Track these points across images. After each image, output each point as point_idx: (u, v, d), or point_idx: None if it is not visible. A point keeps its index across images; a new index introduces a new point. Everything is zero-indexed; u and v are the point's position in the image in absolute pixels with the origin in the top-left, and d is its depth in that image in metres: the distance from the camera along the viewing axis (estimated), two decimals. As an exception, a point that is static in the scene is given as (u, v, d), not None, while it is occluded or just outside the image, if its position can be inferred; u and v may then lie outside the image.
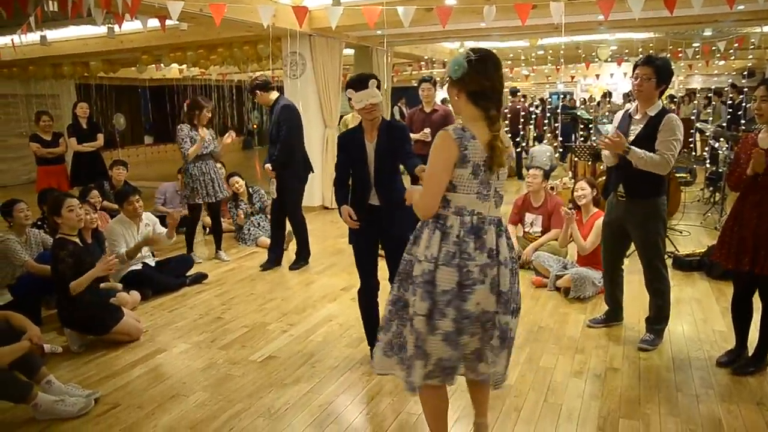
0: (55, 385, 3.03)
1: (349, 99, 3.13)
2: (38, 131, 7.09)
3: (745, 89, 10.50)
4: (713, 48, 10.68)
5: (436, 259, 2.12)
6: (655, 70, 3.30)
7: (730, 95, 12.07)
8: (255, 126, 18.53)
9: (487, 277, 2.13)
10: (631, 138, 3.42)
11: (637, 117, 3.47)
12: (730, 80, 14.20)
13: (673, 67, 3.44)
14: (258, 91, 5.31)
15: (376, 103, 3.10)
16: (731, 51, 10.95)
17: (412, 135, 6.20)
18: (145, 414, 2.97)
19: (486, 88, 2.10)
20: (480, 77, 2.09)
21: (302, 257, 5.56)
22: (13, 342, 2.88)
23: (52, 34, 8.65)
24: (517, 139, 10.72)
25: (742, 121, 9.70)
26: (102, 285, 4.22)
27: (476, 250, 2.12)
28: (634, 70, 3.41)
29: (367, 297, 3.38)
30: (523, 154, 10.96)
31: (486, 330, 2.20)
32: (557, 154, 10.20)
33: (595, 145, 7.56)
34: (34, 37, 7.52)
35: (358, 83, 3.09)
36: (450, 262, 2.11)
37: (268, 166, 5.29)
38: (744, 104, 10.07)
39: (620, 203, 3.58)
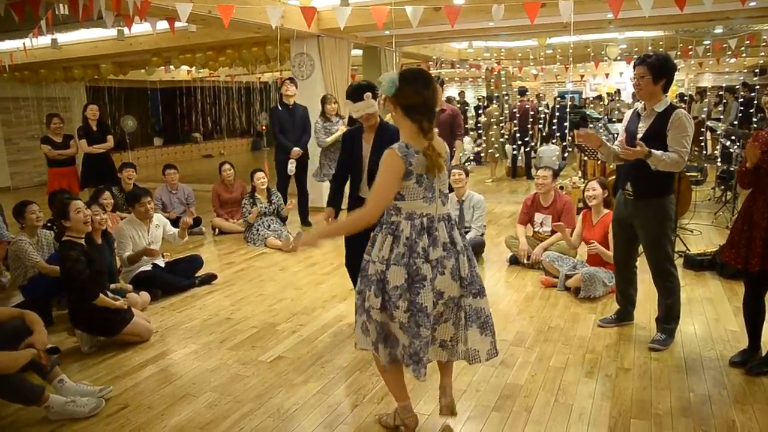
0: (67, 384, 3.06)
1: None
2: (49, 133, 7.16)
3: (757, 86, 10.41)
4: (724, 45, 10.58)
5: (387, 260, 2.39)
6: (648, 67, 3.30)
7: (741, 93, 11.96)
8: (264, 127, 18.59)
9: (446, 267, 2.41)
10: (640, 135, 3.40)
11: (644, 114, 3.46)
12: (742, 78, 14.08)
13: (677, 62, 3.42)
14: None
15: (371, 113, 3.47)
16: (743, 48, 10.83)
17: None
18: (155, 414, 2.98)
19: (418, 103, 2.34)
20: (411, 93, 2.34)
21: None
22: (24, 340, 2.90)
23: (63, 38, 8.74)
24: (526, 139, 10.68)
25: (754, 119, 9.61)
26: (112, 286, 4.25)
27: (430, 246, 2.39)
28: (633, 72, 3.43)
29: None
30: (532, 154, 10.92)
31: (456, 314, 2.50)
32: (566, 154, 10.15)
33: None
34: (45, 40, 7.60)
35: (355, 95, 3.45)
36: (399, 262, 2.37)
37: (297, 149, 6.76)
38: (755, 101, 9.97)
39: (628, 201, 3.56)
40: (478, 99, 14.05)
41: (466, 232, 5.55)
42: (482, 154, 12.39)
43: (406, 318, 2.37)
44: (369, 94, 3.40)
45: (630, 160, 3.41)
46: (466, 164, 10.79)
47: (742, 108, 10.95)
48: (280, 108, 6.87)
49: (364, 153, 3.58)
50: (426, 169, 2.35)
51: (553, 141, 10.37)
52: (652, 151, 3.27)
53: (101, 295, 3.72)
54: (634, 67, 3.41)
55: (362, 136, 3.60)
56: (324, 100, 6.73)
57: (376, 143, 3.49)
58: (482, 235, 5.56)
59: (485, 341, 2.53)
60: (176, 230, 5.14)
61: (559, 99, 12.65)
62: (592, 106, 13.40)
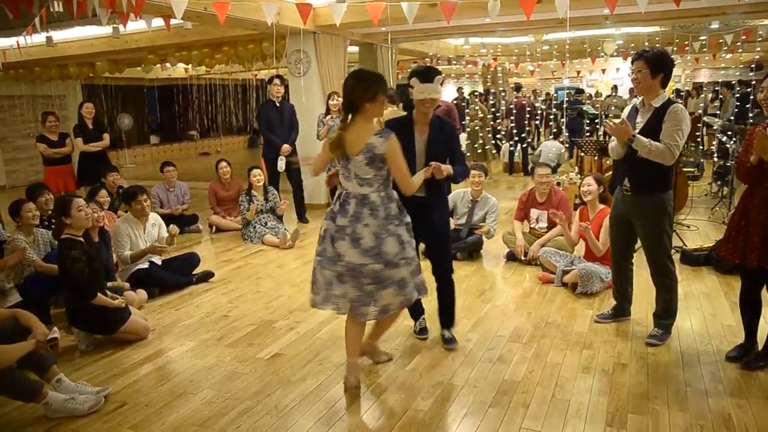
0: (65, 383, 3.06)
1: (411, 87, 3.20)
2: (45, 132, 7.14)
3: (753, 82, 10.40)
4: (720, 41, 10.59)
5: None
6: (646, 61, 3.30)
7: (737, 89, 11.97)
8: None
9: (348, 235, 2.87)
10: (638, 130, 3.41)
11: (643, 109, 3.47)
12: (737, 73, 14.09)
13: (673, 57, 3.43)
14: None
15: (436, 98, 3.21)
16: (739, 44, 10.84)
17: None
18: (153, 412, 2.98)
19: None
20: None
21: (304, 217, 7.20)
22: (21, 339, 2.90)
23: (58, 35, 8.70)
24: (523, 135, 10.68)
25: (750, 115, 9.62)
26: (109, 284, 4.24)
27: (338, 214, 2.91)
28: (631, 67, 3.43)
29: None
30: (529, 150, 10.92)
31: (358, 279, 2.87)
32: (563, 150, 10.15)
33: (601, 140, 7.53)
34: (39, 38, 7.56)
35: (424, 75, 3.18)
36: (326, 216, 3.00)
37: (287, 145, 6.85)
38: (752, 97, 9.98)
39: (626, 197, 3.56)
40: (469, 95, 14.03)
41: (471, 232, 5.55)
42: (468, 154, 12.37)
43: (316, 262, 2.98)
44: (440, 78, 3.18)
45: (624, 148, 3.43)
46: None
47: (738, 104, 10.95)
48: (270, 105, 6.91)
49: (416, 146, 3.29)
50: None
51: (561, 140, 10.32)
52: (637, 135, 3.29)
53: (99, 294, 3.71)
54: (632, 62, 3.40)
55: (414, 128, 3.30)
56: (329, 97, 6.90)
57: (434, 135, 3.29)
58: (489, 236, 5.61)
59: (399, 296, 2.94)
60: (167, 235, 5.11)
61: (573, 93, 12.38)
62: (589, 102, 13.40)
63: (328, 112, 6.93)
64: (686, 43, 10.82)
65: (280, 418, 2.88)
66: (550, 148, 10.10)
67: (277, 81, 6.93)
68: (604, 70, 15.83)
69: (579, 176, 7.85)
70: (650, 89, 3.37)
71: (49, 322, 4.10)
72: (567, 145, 10.21)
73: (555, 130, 11.07)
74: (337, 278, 2.92)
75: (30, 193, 5.06)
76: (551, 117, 13.98)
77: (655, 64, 3.30)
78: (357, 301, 2.91)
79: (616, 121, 3.41)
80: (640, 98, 3.52)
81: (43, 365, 3.05)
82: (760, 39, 10.87)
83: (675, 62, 3.64)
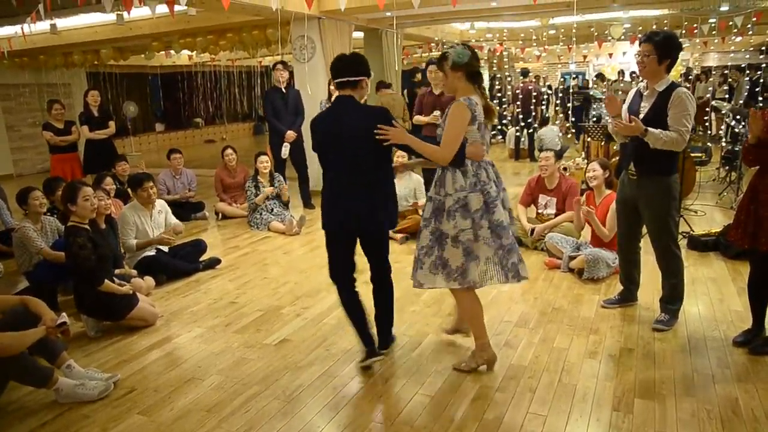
0: (75, 370, 3.09)
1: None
2: (50, 120, 7.14)
3: (763, 65, 10.29)
4: (730, 24, 10.44)
5: (465, 188, 2.89)
6: (655, 46, 3.26)
7: (747, 72, 11.84)
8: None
9: (500, 200, 2.97)
10: (642, 115, 3.38)
11: (646, 93, 3.43)
12: (747, 56, 13.92)
13: (682, 41, 3.38)
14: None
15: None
16: (749, 26, 10.69)
17: (422, 118, 6.18)
18: (161, 397, 3.01)
19: (477, 70, 2.97)
20: (476, 63, 2.95)
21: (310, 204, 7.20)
22: (31, 326, 2.93)
23: (62, 23, 8.67)
24: (529, 120, 10.61)
25: (760, 98, 9.52)
26: (117, 271, 4.27)
27: (488, 180, 2.95)
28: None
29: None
30: (535, 135, 10.87)
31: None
32: (569, 135, 10.08)
33: (607, 125, 7.46)
34: (43, 26, 7.54)
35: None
36: (474, 190, 2.89)
37: (291, 132, 6.84)
38: (761, 80, 9.87)
39: (632, 181, 3.54)
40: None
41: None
42: None
43: (490, 234, 2.90)
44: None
45: (628, 136, 3.40)
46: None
47: (747, 87, 10.85)
48: (275, 90, 6.88)
49: None
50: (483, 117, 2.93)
51: (557, 123, 10.26)
52: (649, 129, 3.25)
53: (107, 281, 3.74)
54: (640, 44, 3.35)
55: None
56: (330, 83, 6.78)
57: None
58: None
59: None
60: (175, 222, 5.13)
61: (578, 88, 12.22)
62: (596, 87, 13.30)
63: (330, 97, 6.89)
64: (695, 25, 10.68)
65: (288, 403, 2.90)
66: (549, 133, 10.03)
67: (280, 66, 6.88)
68: (611, 55, 15.69)
69: (585, 161, 7.80)
70: (655, 74, 3.33)
71: (57, 308, 4.13)
72: (573, 130, 10.15)
73: (544, 117, 10.98)
74: (501, 248, 2.95)
75: (47, 185, 5.09)
76: (557, 103, 13.89)
77: (663, 50, 3.26)
78: (499, 264, 2.97)
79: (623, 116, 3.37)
80: (645, 82, 3.48)
81: (54, 351, 3.08)
82: (770, 21, 10.72)
83: (683, 46, 3.60)
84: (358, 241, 3.16)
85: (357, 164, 2.98)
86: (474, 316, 3.11)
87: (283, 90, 6.89)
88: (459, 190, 2.89)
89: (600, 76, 14.06)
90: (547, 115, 11.39)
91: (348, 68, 3.01)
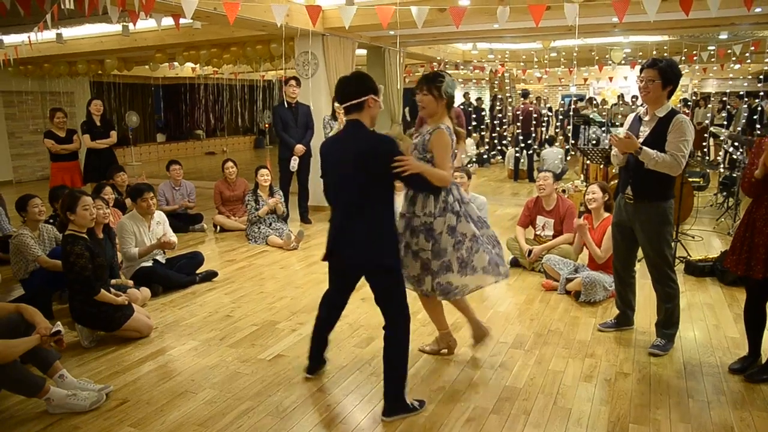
0: (67, 380, 3.06)
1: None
2: (52, 128, 7.17)
3: (761, 93, 10.38)
4: (729, 51, 10.57)
5: (432, 214, 3.07)
6: (659, 72, 3.30)
7: (745, 100, 11.95)
8: (267, 125, 18.61)
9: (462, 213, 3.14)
10: (641, 139, 3.41)
11: (647, 119, 3.46)
12: (745, 84, 14.06)
13: (681, 67, 3.42)
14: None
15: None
16: (747, 55, 10.82)
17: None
18: (154, 410, 2.99)
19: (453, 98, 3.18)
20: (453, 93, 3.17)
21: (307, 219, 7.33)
22: (25, 334, 2.91)
23: (68, 32, 8.74)
24: (529, 141, 10.67)
25: (757, 126, 9.60)
26: (113, 281, 4.25)
27: (453, 200, 3.12)
28: (640, 74, 3.42)
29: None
30: (535, 157, 10.92)
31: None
32: (568, 157, 10.14)
33: (607, 147, 7.50)
34: (50, 35, 7.59)
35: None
36: (443, 214, 3.08)
37: (300, 146, 6.92)
38: (759, 108, 9.96)
39: (628, 205, 3.56)
40: (465, 98, 13.93)
41: None
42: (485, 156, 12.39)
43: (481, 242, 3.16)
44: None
45: (625, 155, 3.43)
46: (469, 165, 10.80)
47: (745, 114, 10.94)
48: (284, 106, 6.93)
49: None
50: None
51: (557, 144, 10.33)
52: (644, 147, 3.28)
53: (102, 290, 3.72)
54: (642, 69, 3.39)
55: None
56: (334, 100, 6.83)
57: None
58: None
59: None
60: (172, 234, 5.11)
61: (576, 100, 12.31)
62: (595, 110, 13.40)
63: (333, 114, 6.95)
64: (695, 52, 10.80)
65: (281, 420, 2.88)
66: (552, 155, 10.09)
67: (293, 82, 6.94)
68: (611, 78, 15.83)
69: (584, 184, 7.84)
70: (658, 99, 3.37)
71: (52, 317, 4.12)
72: (572, 152, 10.21)
73: (548, 138, 11.06)
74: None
75: (53, 194, 5.10)
76: (557, 125, 13.99)
77: (667, 76, 3.30)
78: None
79: (621, 135, 3.40)
80: (644, 107, 3.52)
81: (47, 360, 3.06)
82: (769, 50, 10.85)
83: (682, 72, 3.64)
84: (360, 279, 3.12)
85: (356, 194, 2.79)
86: (429, 312, 3.50)
87: (292, 105, 6.94)
88: (426, 215, 3.05)
89: (590, 100, 14.17)
90: (546, 137, 11.46)
91: (350, 92, 2.81)
